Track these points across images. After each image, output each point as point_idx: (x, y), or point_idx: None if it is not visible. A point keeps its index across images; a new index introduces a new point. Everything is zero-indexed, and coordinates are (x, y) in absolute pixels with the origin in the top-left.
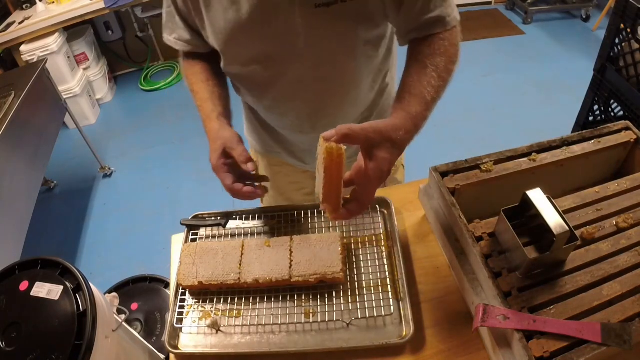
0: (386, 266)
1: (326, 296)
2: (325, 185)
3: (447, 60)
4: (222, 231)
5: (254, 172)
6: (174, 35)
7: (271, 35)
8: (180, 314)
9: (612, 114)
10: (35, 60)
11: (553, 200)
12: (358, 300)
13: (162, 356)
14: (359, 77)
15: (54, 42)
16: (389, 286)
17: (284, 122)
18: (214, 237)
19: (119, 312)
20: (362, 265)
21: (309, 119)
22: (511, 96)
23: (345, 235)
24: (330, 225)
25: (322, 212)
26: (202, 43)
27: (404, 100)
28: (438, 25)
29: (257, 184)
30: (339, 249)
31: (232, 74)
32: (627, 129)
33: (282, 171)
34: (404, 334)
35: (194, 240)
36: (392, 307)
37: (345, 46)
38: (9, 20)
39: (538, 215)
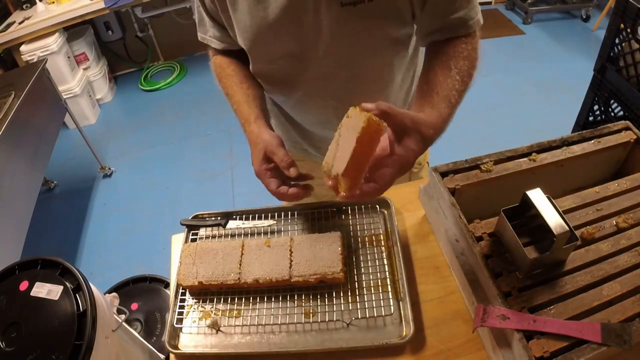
0: (386, 266)
1: (326, 296)
2: (352, 157)
3: (469, 64)
4: (222, 231)
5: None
6: (209, 34)
7: (297, 33)
8: (180, 314)
9: (612, 114)
10: (35, 60)
11: (553, 200)
12: (358, 300)
13: (162, 356)
14: (388, 75)
15: (54, 42)
16: (389, 286)
17: (311, 118)
18: (214, 237)
19: (119, 312)
20: (362, 265)
21: (337, 116)
22: (511, 96)
23: (345, 235)
24: (331, 225)
25: (335, 188)
26: (234, 40)
27: (432, 100)
28: (461, 28)
29: (301, 183)
30: (339, 249)
31: (258, 72)
32: (627, 129)
33: (306, 165)
34: (404, 334)
35: (194, 240)
36: (392, 307)
37: (373, 44)
38: (9, 20)
39: (538, 215)
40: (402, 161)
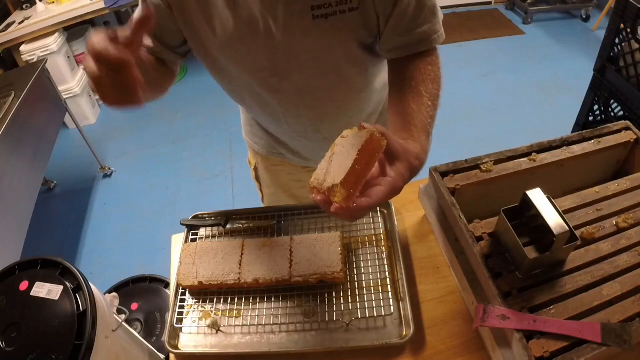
0: (386, 266)
1: (326, 296)
2: (353, 167)
3: (437, 87)
4: (222, 231)
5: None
6: None
7: (271, 47)
8: (180, 314)
9: (612, 114)
10: (35, 60)
11: (553, 200)
12: (358, 300)
13: (162, 356)
14: (362, 83)
15: (54, 42)
16: (389, 286)
17: (286, 129)
18: (214, 237)
19: (119, 312)
20: (362, 265)
21: (313, 125)
22: (511, 96)
23: (345, 235)
24: (331, 225)
25: (326, 202)
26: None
27: (411, 132)
28: (424, 44)
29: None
30: (339, 249)
31: (231, 85)
32: (627, 129)
33: (285, 170)
34: (404, 334)
35: (194, 240)
36: (392, 307)
37: (347, 55)
38: (9, 20)
39: (538, 215)
40: (394, 184)
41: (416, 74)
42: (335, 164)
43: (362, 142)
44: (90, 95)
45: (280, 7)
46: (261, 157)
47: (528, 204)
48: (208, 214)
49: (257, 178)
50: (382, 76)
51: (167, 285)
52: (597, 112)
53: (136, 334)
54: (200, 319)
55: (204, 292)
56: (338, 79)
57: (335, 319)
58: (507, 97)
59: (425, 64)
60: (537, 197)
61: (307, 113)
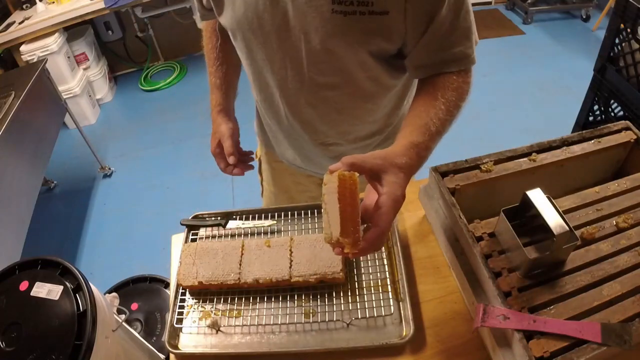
0: (386, 266)
1: (326, 296)
2: (342, 216)
3: (458, 96)
4: (222, 231)
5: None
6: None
7: (283, 31)
8: (180, 314)
9: (612, 114)
10: (35, 60)
11: (553, 200)
12: (358, 300)
13: (162, 356)
14: (369, 91)
15: (54, 42)
16: (389, 286)
17: (286, 127)
18: (214, 237)
19: (119, 312)
20: (362, 265)
21: (310, 126)
22: (511, 96)
23: None
24: None
25: (343, 252)
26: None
27: (406, 131)
28: (454, 65)
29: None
30: None
31: (245, 66)
32: (627, 129)
33: (288, 169)
34: (404, 334)
35: (194, 240)
36: (392, 307)
37: (357, 58)
38: (9, 20)
39: (538, 215)
40: (392, 196)
41: (438, 82)
42: (330, 217)
43: (336, 188)
44: (90, 95)
45: None
46: (264, 151)
47: (528, 204)
48: (208, 214)
49: (260, 171)
50: (395, 97)
51: (167, 285)
52: (597, 112)
53: (136, 334)
54: (200, 319)
55: (204, 292)
56: (343, 79)
57: (335, 319)
58: (507, 97)
59: (451, 74)
60: (537, 197)
61: (308, 111)
